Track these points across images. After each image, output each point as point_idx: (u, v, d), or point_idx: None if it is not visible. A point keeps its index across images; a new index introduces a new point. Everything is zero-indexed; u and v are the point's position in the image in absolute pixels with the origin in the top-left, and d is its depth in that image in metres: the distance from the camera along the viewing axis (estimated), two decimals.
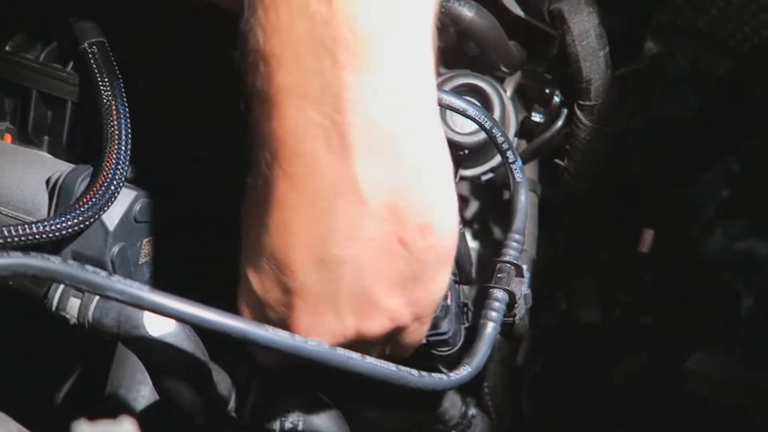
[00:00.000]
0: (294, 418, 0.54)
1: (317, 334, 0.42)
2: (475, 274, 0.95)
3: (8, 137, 0.55)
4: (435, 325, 0.51)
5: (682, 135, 0.84)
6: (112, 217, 0.47)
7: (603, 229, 0.85)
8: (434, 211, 0.40)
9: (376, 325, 0.42)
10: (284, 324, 0.43)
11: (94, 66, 0.49)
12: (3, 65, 0.53)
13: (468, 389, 0.71)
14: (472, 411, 0.75)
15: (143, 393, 0.58)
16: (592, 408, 0.70)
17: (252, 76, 0.36)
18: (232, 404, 0.52)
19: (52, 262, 0.34)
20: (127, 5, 0.53)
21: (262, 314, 0.44)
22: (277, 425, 0.53)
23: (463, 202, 0.97)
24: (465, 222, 0.99)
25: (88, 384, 0.68)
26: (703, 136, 0.86)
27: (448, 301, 0.52)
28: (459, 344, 0.54)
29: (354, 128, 0.35)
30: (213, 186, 0.54)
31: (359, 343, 0.44)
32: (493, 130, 0.53)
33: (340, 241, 0.38)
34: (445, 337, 0.52)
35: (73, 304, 0.43)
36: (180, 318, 0.38)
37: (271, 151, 0.37)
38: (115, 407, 0.56)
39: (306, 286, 0.40)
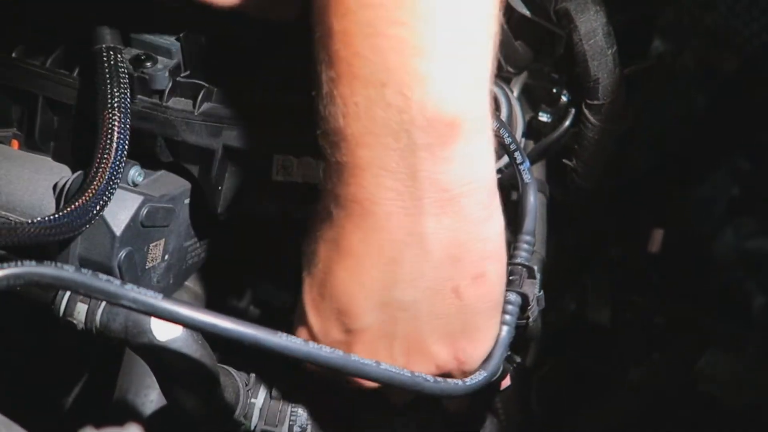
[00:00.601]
0: (302, 422, 0.54)
1: None
2: None
3: (15, 143, 0.55)
4: None
5: (690, 133, 0.83)
6: (119, 221, 0.47)
7: (611, 228, 0.84)
8: (487, 263, 0.44)
9: (422, 369, 0.45)
10: None
11: (105, 68, 0.49)
12: (9, 71, 0.53)
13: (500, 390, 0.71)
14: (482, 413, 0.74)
15: (151, 398, 0.58)
16: (605, 410, 0.69)
17: (331, 150, 0.41)
18: (240, 408, 0.52)
19: (66, 271, 0.34)
20: (144, 13, 0.53)
21: None
22: (285, 429, 0.53)
23: None
24: None
25: (96, 389, 0.68)
26: (710, 134, 0.86)
27: None
28: None
29: (426, 194, 0.40)
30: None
31: None
32: (500, 131, 0.53)
33: (402, 287, 0.43)
34: None
35: (81, 310, 0.43)
36: (193, 326, 0.38)
37: (346, 209, 0.41)
38: (123, 412, 0.55)
39: (365, 327, 0.45)
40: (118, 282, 0.36)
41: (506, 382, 0.53)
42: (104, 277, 0.35)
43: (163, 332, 0.43)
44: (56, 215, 0.43)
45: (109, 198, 0.46)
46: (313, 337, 0.47)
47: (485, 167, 0.41)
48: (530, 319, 0.53)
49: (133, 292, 0.36)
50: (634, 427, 0.71)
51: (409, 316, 0.44)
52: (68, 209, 0.43)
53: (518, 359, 0.58)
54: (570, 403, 0.77)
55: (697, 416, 0.78)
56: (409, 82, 0.37)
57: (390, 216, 0.40)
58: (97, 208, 0.45)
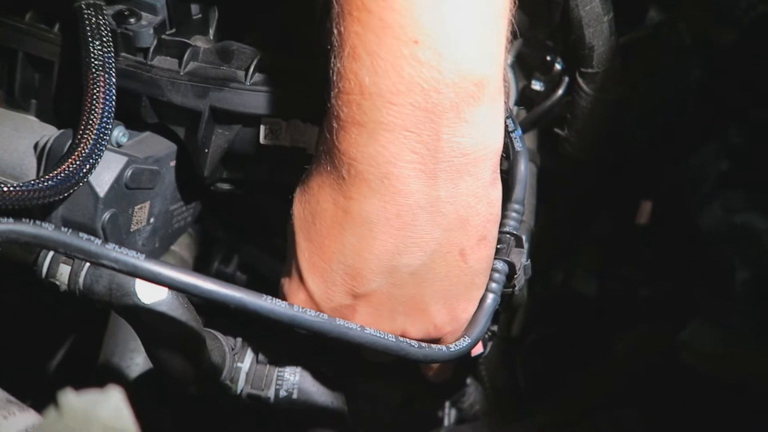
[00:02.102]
0: (289, 386, 0.54)
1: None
2: None
3: None
4: None
5: (684, 106, 0.83)
6: (103, 183, 0.46)
7: (602, 200, 0.84)
8: (490, 226, 0.45)
9: (419, 330, 0.47)
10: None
11: (87, 26, 0.47)
12: None
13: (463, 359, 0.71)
14: (467, 380, 0.75)
15: (137, 361, 0.57)
16: (588, 379, 0.70)
17: (348, 110, 0.39)
18: (226, 372, 0.52)
19: (45, 229, 0.33)
20: None
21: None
22: (271, 393, 0.53)
23: None
24: None
25: (81, 352, 0.68)
26: (705, 107, 0.85)
27: None
28: None
29: (447, 157, 0.40)
30: None
31: None
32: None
33: (412, 251, 0.43)
34: None
35: (63, 271, 0.42)
36: (176, 287, 0.38)
37: (360, 173, 0.41)
38: (108, 376, 0.55)
39: (372, 291, 0.44)
40: (98, 241, 0.35)
41: (478, 348, 0.53)
42: (84, 235, 0.34)
43: (148, 295, 0.42)
44: (43, 178, 0.42)
45: (96, 161, 0.45)
46: (312, 302, 0.46)
47: (500, 131, 0.42)
48: (516, 288, 0.53)
49: (114, 251, 0.35)
50: (616, 397, 0.72)
51: (416, 279, 0.44)
52: (54, 172, 0.42)
53: (494, 328, 0.58)
54: (555, 373, 0.78)
55: (679, 388, 0.79)
56: (444, 39, 0.36)
57: (408, 180, 0.40)
58: (84, 171, 0.44)
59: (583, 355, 0.77)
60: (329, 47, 0.40)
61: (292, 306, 0.41)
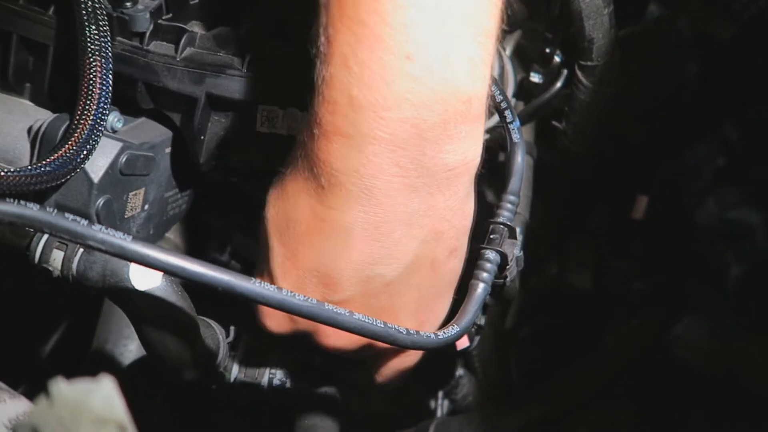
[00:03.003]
0: (282, 375, 0.54)
1: (340, 341, 0.48)
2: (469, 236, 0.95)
3: None
4: None
5: (682, 101, 0.83)
6: (97, 168, 0.45)
7: (598, 194, 0.84)
8: (462, 238, 0.46)
9: None
10: (311, 329, 0.47)
11: (83, 9, 0.46)
12: None
13: (449, 352, 0.71)
14: (460, 372, 0.75)
15: (130, 348, 0.57)
16: (580, 372, 0.71)
17: (332, 119, 0.39)
18: (220, 359, 0.52)
19: (30, 209, 0.33)
20: None
21: (290, 319, 0.47)
22: (265, 381, 0.53)
23: None
24: None
25: (74, 339, 0.68)
26: (702, 103, 0.85)
27: None
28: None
29: (430, 171, 0.40)
30: None
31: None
32: (492, 89, 0.52)
33: (387, 262, 0.43)
34: None
35: (57, 257, 0.42)
36: (164, 269, 0.37)
37: (341, 184, 0.40)
38: (100, 363, 0.55)
39: (345, 300, 0.45)
40: (85, 222, 0.34)
41: (463, 342, 0.53)
42: (70, 216, 0.34)
43: (142, 281, 0.42)
44: (39, 164, 0.41)
45: (93, 147, 0.44)
46: None
47: (481, 145, 0.42)
48: (508, 279, 0.53)
49: (101, 232, 0.34)
50: (609, 390, 0.72)
51: (389, 289, 0.45)
52: (51, 158, 0.42)
53: (481, 322, 0.58)
54: (548, 366, 0.78)
55: (671, 381, 0.79)
56: (437, 57, 0.37)
57: (390, 192, 0.40)
58: (81, 157, 0.43)
59: (577, 348, 0.78)
60: (315, 52, 0.39)
61: (280, 290, 0.41)
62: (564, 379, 0.70)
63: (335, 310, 0.42)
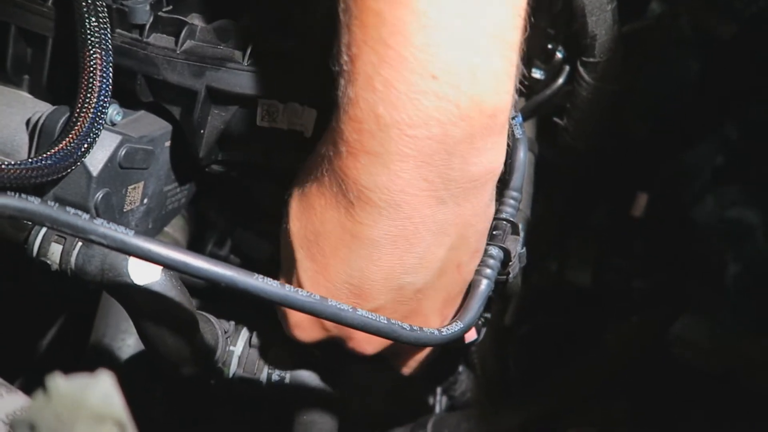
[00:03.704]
0: (281, 371, 0.54)
1: (371, 344, 0.49)
2: None
3: None
4: None
5: (683, 99, 0.82)
6: (96, 161, 0.45)
7: (599, 191, 0.84)
8: (483, 239, 0.48)
9: None
10: (344, 336, 0.49)
11: (83, 0, 0.46)
12: None
13: (456, 346, 0.71)
14: (459, 368, 0.75)
15: (128, 342, 0.57)
16: (579, 370, 0.70)
17: (359, 137, 0.39)
18: (218, 355, 0.51)
19: (31, 203, 0.33)
20: None
21: (321, 327, 0.48)
22: (264, 376, 0.53)
23: None
24: None
25: (72, 333, 0.67)
26: (703, 101, 0.85)
27: None
28: None
29: (457, 184, 0.41)
30: None
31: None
32: None
33: (417, 270, 0.44)
34: None
35: (55, 250, 0.42)
36: (166, 264, 0.37)
37: (370, 200, 0.41)
38: (98, 357, 0.55)
39: (376, 308, 0.45)
40: (86, 216, 0.34)
41: (471, 335, 0.53)
42: (72, 210, 0.33)
43: (141, 275, 0.42)
44: (39, 157, 0.41)
45: (94, 140, 0.44)
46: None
47: (504, 153, 0.43)
48: (510, 275, 0.52)
49: (102, 227, 0.34)
50: (607, 388, 0.72)
51: (419, 295, 0.46)
52: (52, 151, 0.41)
53: (488, 315, 0.58)
54: (546, 364, 0.78)
55: (669, 379, 0.79)
56: (463, 75, 0.37)
57: (419, 206, 0.41)
58: (82, 150, 0.43)
59: (576, 346, 0.78)
60: (338, 70, 0.39)
61: (283, 285, 0.41)
62: (563, 377, 0.69)
63: (338, 306, 0.41)
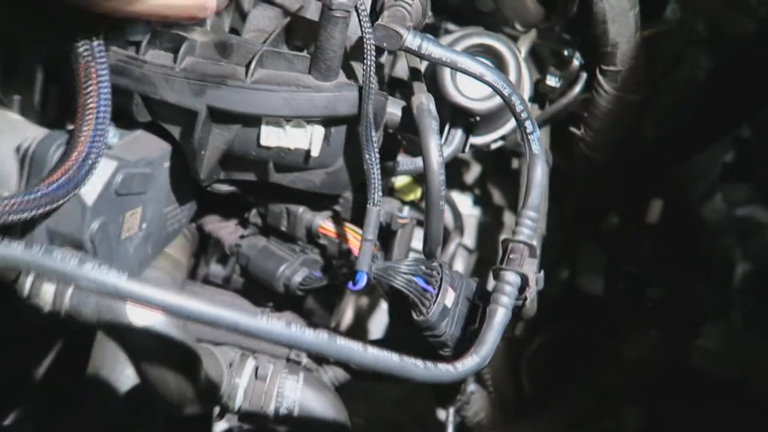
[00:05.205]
0: (289, 404, 0.51)
1: None
2: (476, 243, 0.92)
3: None
4: (431, 327, 0.48)
5: (697, 102, 0.80)
6: (91, 190, 0.42)
7: (611, 198, 0.81)
8: None
9: None
10: None
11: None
12: None
13: None
14: (471, 387, 0.72)
15: (127, 373, 0.54)
16: (597, 386, 0.68)
17: None
18: (224, 390, 0.49)
19: (13, 250, 0.30)
20: None
21: None
22: (271, 410, 0.51)
23: (464, 166, 0.93)
24: (465, 187, 0.95)
25: (67, 362, 0.64)
26: (718, 102, 0.82)
27: (448, 303, 0.49)
28: (462, 345, 0.51)
29: None
30: None
31: None
32: (512, 98, 0.49)
33: None
34: (442, 339, 0.49)
35: (47, 291, 0.39)
36: (163, 309, 0.34)
37: None
38: (97, 388, 0.52)
39: None
40: (74, 261, 0.31)
41: None
42: (59, 254, 0.30)
43: (141, 316, 0.39)
44: (32, 189, 0.38)
45: (92, 167, 0.41)
46: None
47: None
48: (528, 300, 0.50)
49: (93, 272, 0.31)
50: (624, 401, 0.70)
51: None
52: (47, 181, 0.38)
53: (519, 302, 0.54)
54: (561, 378, 0.75)
55: (689, 389, 0.77)
56: None
57: None
58: (79, 178, 0.40)
59: (590, 358, 0.75)
60: None
61: (289, 325, 0.38)
62: (580, 393, 0.67)
63: (348, 346, 0.39)
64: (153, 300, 0.33)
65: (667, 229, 0.86)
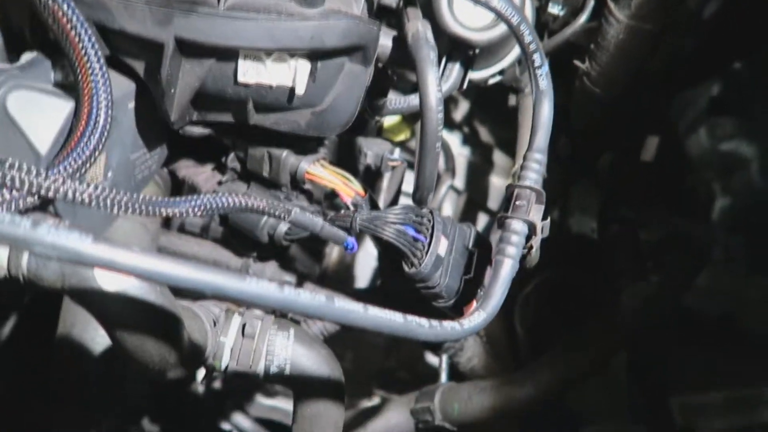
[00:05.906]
0: (280, 361, 0.48)
1: None
2: (465, 184, 0.89)
3: None
4: (424, 279, 0.46)
5: (701, 36, 0.75)
6: (44, 137, 0.37)
7: (609, 137, 0.78)
8: None
9: None
10: None
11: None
12: None
13: None
14: None
15: (101, 332, 0.50)
16: (593, 335, 0.66)
17: None
18: (209, 351, 0.45)
19: None
20: None
21: None
22: (261, 369, 0.47)
23: (452, 102, 0.88)
24: (453, 125, 0.91)
25: (31, 324, 0.60)
26: (721, 37, 0.78)
27: (441, 252, 0.46)
28: (457, 296, 0.48)
29: None
30: None
31: None
32: (521, 27, 0.44)
33: None
34: (436, 290, 0.47)
35: (1, 255, 0.34)
36: (140, 275, 0.30)
37: None
38: (70, 352, 0.48)
39: None
40: (27, 223, 0.26)
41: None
42: (8, 217, 0.25)
43: (111, 280, 0.34)
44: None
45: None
46: None
47: None
48: (533, 249, 0.47)
49: (50, 234, 0.26)
50: (620, 346, 0.68)
51: None
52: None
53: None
54: (555, 324, 0.74)
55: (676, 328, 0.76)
56: None
57: None
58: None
59: (585, 304, 0.74)
60: None
61: (282, 288, 0.34)
62: (577, 343, 0.65)
63: (347, 307, 0.35)
64: (124, 265, 0.29)
65: (660, 166, 0.84)
